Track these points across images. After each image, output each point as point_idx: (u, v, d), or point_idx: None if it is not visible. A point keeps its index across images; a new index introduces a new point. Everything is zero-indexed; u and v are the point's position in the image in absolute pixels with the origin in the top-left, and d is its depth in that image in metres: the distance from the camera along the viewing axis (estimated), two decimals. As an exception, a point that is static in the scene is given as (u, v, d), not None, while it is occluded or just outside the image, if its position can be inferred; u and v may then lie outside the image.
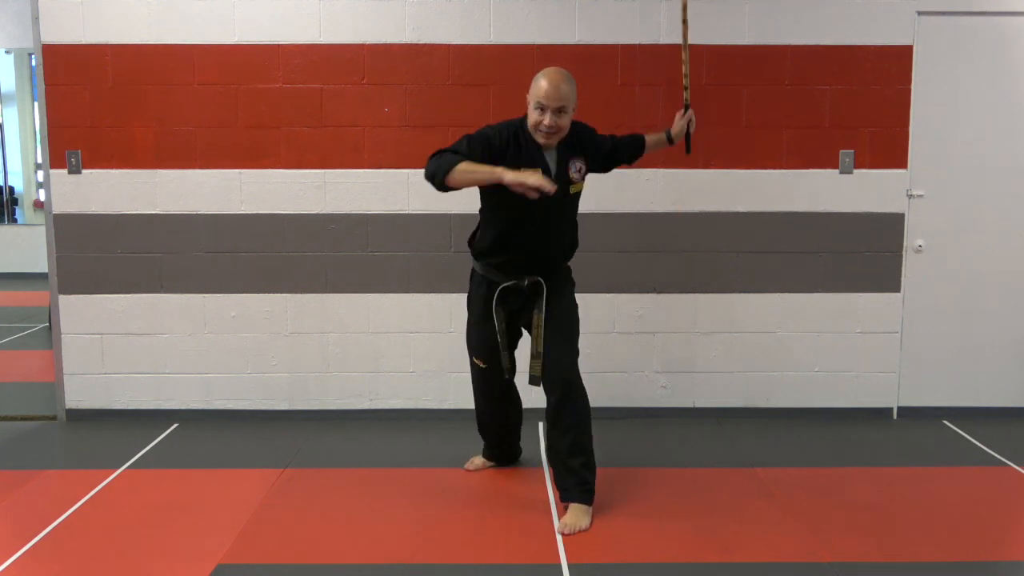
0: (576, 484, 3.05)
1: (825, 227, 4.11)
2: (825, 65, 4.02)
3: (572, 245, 3.24)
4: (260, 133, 4.04)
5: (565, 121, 2.95)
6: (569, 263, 3.28)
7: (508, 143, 2.96)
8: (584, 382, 3.11)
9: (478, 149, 2.90)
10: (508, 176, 2.76)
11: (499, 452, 3.56)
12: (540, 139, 2.96)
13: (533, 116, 2.94)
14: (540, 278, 3.09)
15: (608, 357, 4.17)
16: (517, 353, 3.28)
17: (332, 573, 2.70)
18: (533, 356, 3.09)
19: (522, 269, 3.10)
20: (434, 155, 2.91)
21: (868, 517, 3.09)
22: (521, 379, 3.29)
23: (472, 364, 3.36)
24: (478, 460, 3.57)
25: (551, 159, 3.02)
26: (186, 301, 4.14)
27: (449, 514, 3.13)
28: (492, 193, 2.99)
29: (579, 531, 2.94)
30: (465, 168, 2.82)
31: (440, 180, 2.85)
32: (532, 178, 2.73)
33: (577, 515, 3.00)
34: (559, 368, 3.05)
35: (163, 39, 3.99)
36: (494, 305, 3.14)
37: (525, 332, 3.26)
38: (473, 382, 3.42)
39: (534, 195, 2.76)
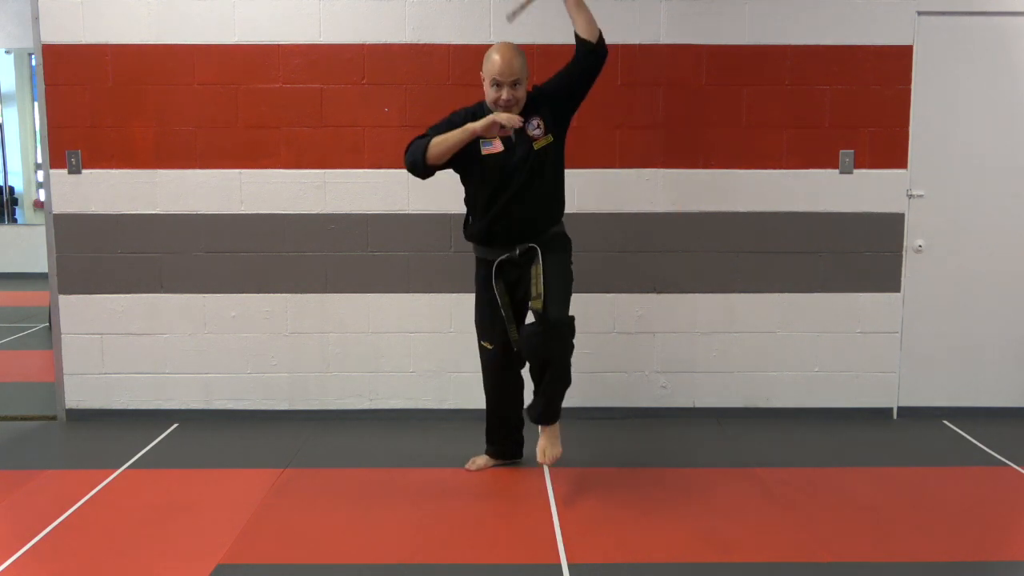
0: (545, 406, 3.23)
1: (825, 227, 4.11)
2: (825, 65, 4.02)
3: (557, 206, 3.27)
4: (260, 133, 4.04)
5: (521, 93, 3.11)
6: (563, 230, 3.30)
7: (467, 119, 3.14)
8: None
9: (443, 128, 3.14)
10: (477, 125, 3.02)
11: (504, 447, 3.56)
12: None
13: (491, 93, 3.11)
14: (532, 244, 3.18)
15: (608, 357, 4.17)
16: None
17: (332, 573, 2.70)
18: (534, 297, 3.15)
19: (511, 238, 3.20)
20: (408, 147, 3.18)
21: (868, 517, 3.09)
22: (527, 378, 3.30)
23: (481, 352, 3.41)
24: (480, 460, 3.57)
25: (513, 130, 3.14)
26: (186, 301, 4.14)
27: (449, 514, 3.13)
28: (469, 168, 3.20)
29: (555, 458, 3.27)
30: (437, 140, 3.08)
31: (420, 160, 3.12)
32: (500, 117, 3.00)
33: (550, 440, 3.28)
34: (550, 309, 3.13)
35: (163, 39, 3.99)
36: (493, 280, 3.24)
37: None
38: (483, 372, 3.46)
39: (508, 132, 3.04)
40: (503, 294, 3.26)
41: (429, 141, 3.09)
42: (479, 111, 3.19)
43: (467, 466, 3.55)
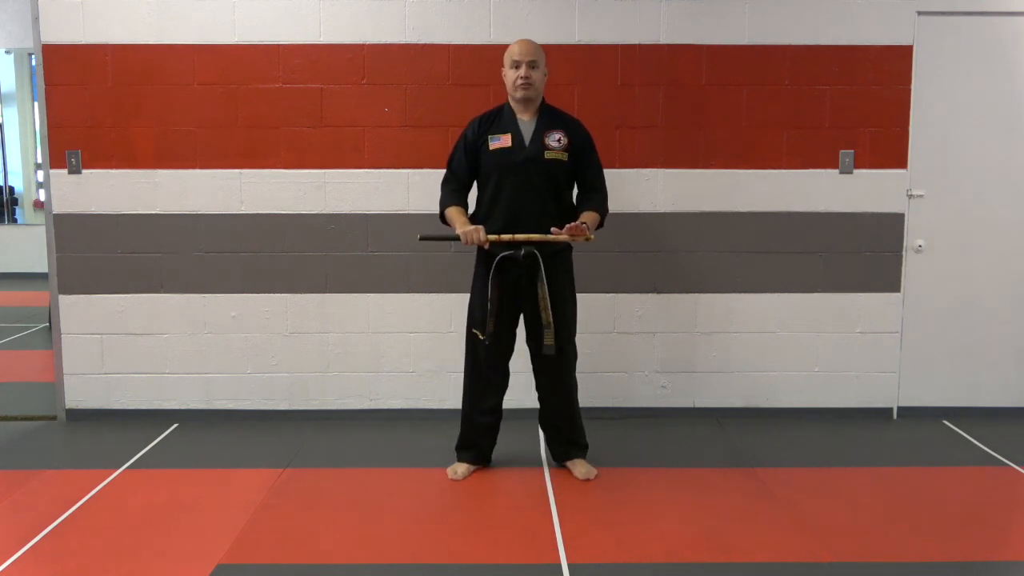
0: (579, 445, 3.50)
1: (825, 227, 4.11)
2: (825, 65, 4.02)
3: (563, 222, 3.23)
4: (260, 133, 4.04)
5: (537, 75, 3.24)
6: (569, 247, 3.37)
7: (483, 124, 3.31)
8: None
9: (459, 161, 3.33)
10: (458, 230, 3.23)
11: (481, 451, 3.50)
12: (518, 94, 3.23)
13: (509, 75, 3.26)
14: (535, 250, 3.23)
15: (608, 357, 4.17)
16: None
17: (332, 573, 2.70)
18: (546, 327, 3.25)
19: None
20: (443, 181, 3.40)
21: (868, 517, 3.09)
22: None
23: (468, 351, 3.40)
24: (461, 468, 3.48)
25: (526, 129, 3.28)
26: (186, 301, 4.14)
27: (449, 514, 3.13)
28: (481, 163, 3.30)
29: (594, 476, 3.43)
30: (448, 218, 3.32)
31: (441, 217, 3.38)
32: (467, 236, 3.17)
33: (587, 466, 3.46)
34: (562, 345, 3.33)
35: (163, 39, 3.99)
36: (491, 274, 3.25)
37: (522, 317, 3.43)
38: (466, 370, 3.43)
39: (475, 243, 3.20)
40: (495, 288, 3.26)
41: (445, 204, 3.33)
42: (501, 110, 3.32)
43: (450, 476, 3.46)
